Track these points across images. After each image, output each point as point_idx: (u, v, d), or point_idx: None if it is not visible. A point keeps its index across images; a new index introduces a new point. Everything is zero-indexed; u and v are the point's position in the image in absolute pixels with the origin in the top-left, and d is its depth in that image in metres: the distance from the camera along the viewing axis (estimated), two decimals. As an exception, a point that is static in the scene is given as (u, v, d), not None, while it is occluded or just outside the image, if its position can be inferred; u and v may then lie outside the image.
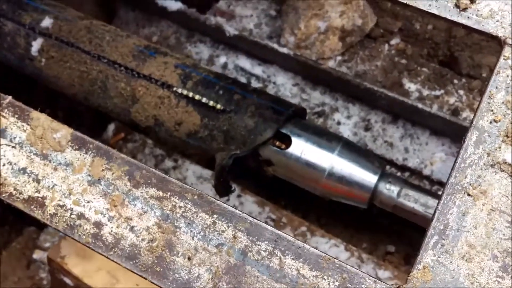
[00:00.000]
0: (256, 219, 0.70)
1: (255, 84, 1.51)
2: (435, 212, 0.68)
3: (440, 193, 1.32)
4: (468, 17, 0.75)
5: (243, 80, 1.52)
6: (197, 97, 1.09)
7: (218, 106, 1.08)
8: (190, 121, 1.10)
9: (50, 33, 1.20)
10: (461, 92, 1.43)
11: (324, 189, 1.08)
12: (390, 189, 1.05)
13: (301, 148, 1.07)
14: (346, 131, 1.42)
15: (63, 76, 1.19)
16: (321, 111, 1.45)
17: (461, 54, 1.45)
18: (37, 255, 1.38)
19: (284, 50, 1.44)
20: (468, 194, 0.67)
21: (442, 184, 1.36)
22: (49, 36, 1.20)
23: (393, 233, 1.43)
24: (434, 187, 1.37)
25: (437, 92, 1.44)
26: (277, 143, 1.09)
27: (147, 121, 1.14)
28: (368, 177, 1.05)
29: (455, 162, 0.69)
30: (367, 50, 1.50)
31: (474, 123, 0.70)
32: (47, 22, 1.22)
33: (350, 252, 1.32)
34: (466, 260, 0.65)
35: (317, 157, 1.06)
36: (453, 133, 1.35)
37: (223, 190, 1.10)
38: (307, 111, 1.44)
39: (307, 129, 1.09)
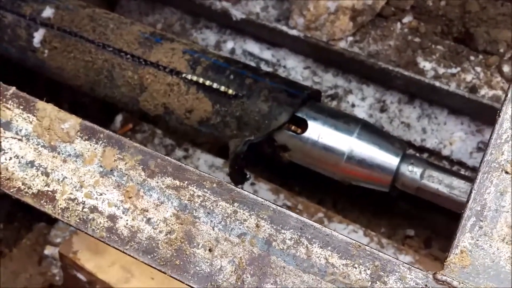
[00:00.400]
0: (280, 206, 0.66)
1: (264, 68, 1.46)
2: (470, 192, 0.63)
3: (463, 172, 1.28)
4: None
5: (252, 65, 1.47)
6: (207, 82, 1.05)
7: (230, 91, 1.04)
8: (201, 108, 1.06)
9: (52, 23, 1.16)
10: (478, 69, 1.38)
11: (343, 173, 1.04)
12: (413, 171, 1.01)
13: (318, 131, 1.03)
14: (361, 113, 1.38)
15: (67, 67, 1.15)
16: (334, 94, 1.40)
17: (476, 30, 1.39)
18: (49, 251, 1.35)
19: (294, 32, 1.39)
20: (506, 172, 0.63)
21: (462, 164, 1.32)
22: (51, 27, 1.16)
23: (412, 217, 1.39)
24: (454, 167, 1.33)
25: (453, 70, 1.39)
26: (293, 127, 1.05)
27: (156, 109, 1.10)
28: (389, 159, 1.02)
29: (490, 138, 0.65)
30: (379, 30, 1.45)
31: (509, 95, 0.65)
32: (48, 12, 1.18)
33: (370, 238, 1.28)
34: (507, 242, 0.61)
35: (335, 140, 1.02)
36: (472, 111, 1.30)
37: (238, 178, 1.06)
38: (320, 94, 1.40)
39: (324, 112, 1.05)
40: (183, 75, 1.07)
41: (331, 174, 1.06)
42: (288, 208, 1.28)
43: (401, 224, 1.40)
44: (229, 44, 1.50)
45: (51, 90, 1.49)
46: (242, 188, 1.31)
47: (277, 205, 0.66)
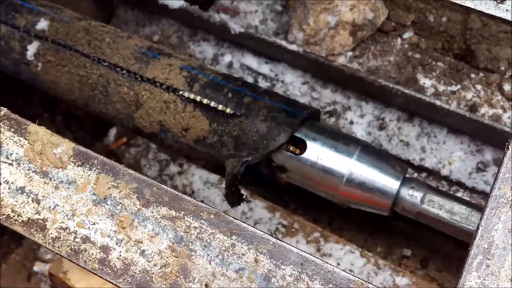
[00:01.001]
0: (280, 240, 0.64)
1: (262, 83, 1.44)
2: (477, 228, 0.61)
3: (462, 193, 1.26)
4: (507, 10, 0.69)
5: (250, 79, 1.45)
6: (205, 101, 1.02)
7: (228, 110, 1.01)
8: (198, 127, 1.03)
9: (46, 36, 1.14)
10: (479, 87, 1.36)
11: (342, 196, 1.02)
12: (413, 195, 1.00)
13: (317, 153, 1.01)
14: (359, 130, 1.36)
15: (61, 81, 1.13)
16: (332, 110, 1.38)
17: (477, 47, 1.38)
18: (38, 267, 1.32)
19: (293, 47, 1.37)
20: (514, 209, 0.61)
21: (461, 185, 1.30)
22: (45, 39, 1.13)
23: (408, 236, 1.37)
24: (453, 187, 1.31)
25: (454, 88, 1.37)
26: (291, 148, 1.02)
27: (151, 127, 1.07)
28: (389, 183, 1.00)
29: (498, 172, 0.63)
30: (379, 45, 1.43)
31: (518, 129, 0.63)
32: (42, 24, 1.15)
33: (366, 259, 1.26)
34: (515, 282, 0.59)
35: (334, 162, 1.00)
36: (472, 130, 1.29)
37: (234, 199, 1.04)
38: (318, 111, 1.38)
39: (323, 132, 1.03)
40: (180, 92, 1.04)
41: (330, 197, 1.04)
42: (284, 227, 1.26)
43: (397, 243, 1.38)
44: (227, 58, 1.48)
45: (47, 100, 1.46)
46: (238, 209, 1.28)
47: (281, 231, 0.63)
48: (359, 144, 1.02)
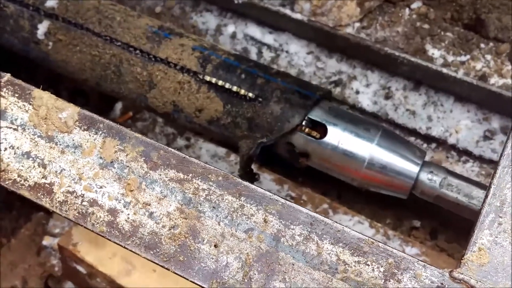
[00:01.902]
0: (284, 197, 0.63)
1: (266, 53, 1.42)
2: (489, 187, 0.61)
3: (470, 162, 1.25)
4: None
5: (253, 49, 1.44)
6: (220, 82, 1.02)
7: (242, 92, 1.02)
8: (212, 108, 1.03)
9: (56, 14, 1.12)
10: (488, 56, 1.34)
11: (363, 180, 1.04)
12: (432, 179, 1.02)
13: (338, 137, 1.01)
14: (365, 100, 1.34)
15: (72, 61, 1.11)
16: (338, 80, 1.37)
17: (488, 16, 1.35)
18: (47, 241, 1.32)
19: (298, 16, 1.35)
20: (527, 165, 0.60)
21: (468, 153, 1.29)
22: (55, 18, 1.12)
23: (417, 207, 1.36)
24: (460, 156, 1.30)
25: (463, 58, 1.35)
26: (313, 132, 1.03)
27: (165, 107, 1.07)
28: (409, 167, 1.02)
29: (510, 130, 0.62)
30: (386, 16, 1.41)
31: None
32: (51, 2, 1.14)
33: (375, 229, 1.25)
34: (528, 239, 0.58)
35: (355, 146, 1.01)
36: (479, 99, 1.27)
37: (248, 179, 1.05)
38: (323, 80, 1.37)
39: (343, 116, 1.04)
40: (195, 73, 1.04)
41: (350, 180, 1.06)
42: (292, 199, 1.26)
43: (407, 215, 1.37)
44: (230, 28, 1.46)
45: (51, 77, 1.45)
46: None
47: (286, 199, 0.63)
48: (379, 129, 1.03)
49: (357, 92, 1.35)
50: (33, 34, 1.14)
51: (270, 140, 1.00)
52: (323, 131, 1.03)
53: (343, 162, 1.02)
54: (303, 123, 1.04)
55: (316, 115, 1.04)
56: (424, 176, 1.02)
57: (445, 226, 1.32)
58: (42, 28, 1.13)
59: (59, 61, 1.14)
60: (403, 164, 1.02)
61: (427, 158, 1.17)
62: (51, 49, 1.13)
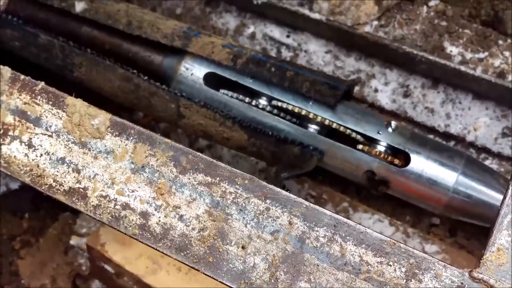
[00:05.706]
0: (312, 203, 0.65)
1: (285, 53, 1.45)
2: (507, 188, 0.62)
3: (489, 159, 1.26)
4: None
5: (273, 50, 1.46)
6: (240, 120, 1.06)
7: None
8: (236, 137, 1.08)
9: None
10: (507, 53, 1.35)
11: (446, 208, 1.04)
12: None
13: (422, 166, 1.02)
14: (384, 98, 1.36)
15: (105, 88, 1.14)
16: (357, 79, 1.39)
17: (506, 13, 1.36)
18: (74, 241, 1.36)
19: (316, 15, 1.36)
20: (545, 168, 0.62)
21: (486, 151, 1.30)
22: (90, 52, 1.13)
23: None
24: (481, 155, 1.31)
25: (481, 55, 1.36)
26: (395, 160, 1.03)
27: (195, 133, 1.12)
28: (496, 195, 1.01)
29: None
30: (404, 13, 1.42)
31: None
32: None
33: (395, 227, 1.27)
34: (546, 240, 0.60)
35: (440, 175, 1.01)
36: (498, 96, 1.28)
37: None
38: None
39: (425, 144, 1.04)
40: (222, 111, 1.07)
41: (432, 209, 1.06)
42: (313, 198, 1.28)
43: (425, 212, 1.38)
44: (250, 29, 1.48)
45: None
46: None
47: (310, 202, 0.65)
48: (462, 156, 1.03)
49: (376, 91, 1.37)
50: (66, 62, 1.14)
51: (292, 177, 1.03)
52: (405, 159, 1.02)
53: (426, 191, 1.02)
54: (383, 150, 1.05)
55: (397, 142, 1.04)
56: None
57: (463, 223, 1.33)
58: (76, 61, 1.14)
59: (94, 87, 1.16)
60: (489, 193, 1.02)
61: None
62: (84, 77, 1.14)
